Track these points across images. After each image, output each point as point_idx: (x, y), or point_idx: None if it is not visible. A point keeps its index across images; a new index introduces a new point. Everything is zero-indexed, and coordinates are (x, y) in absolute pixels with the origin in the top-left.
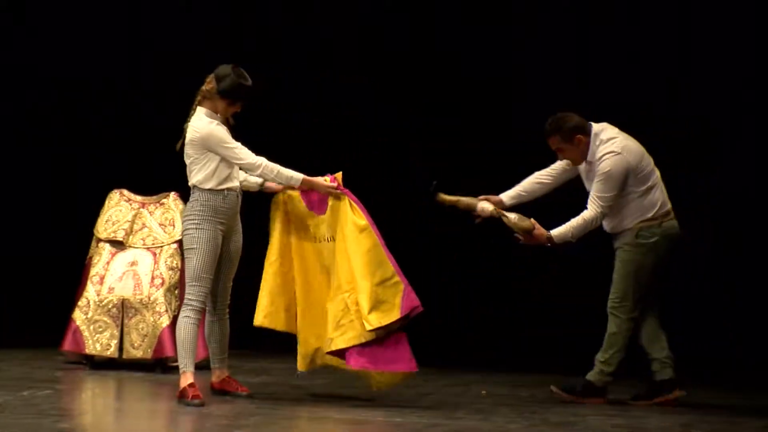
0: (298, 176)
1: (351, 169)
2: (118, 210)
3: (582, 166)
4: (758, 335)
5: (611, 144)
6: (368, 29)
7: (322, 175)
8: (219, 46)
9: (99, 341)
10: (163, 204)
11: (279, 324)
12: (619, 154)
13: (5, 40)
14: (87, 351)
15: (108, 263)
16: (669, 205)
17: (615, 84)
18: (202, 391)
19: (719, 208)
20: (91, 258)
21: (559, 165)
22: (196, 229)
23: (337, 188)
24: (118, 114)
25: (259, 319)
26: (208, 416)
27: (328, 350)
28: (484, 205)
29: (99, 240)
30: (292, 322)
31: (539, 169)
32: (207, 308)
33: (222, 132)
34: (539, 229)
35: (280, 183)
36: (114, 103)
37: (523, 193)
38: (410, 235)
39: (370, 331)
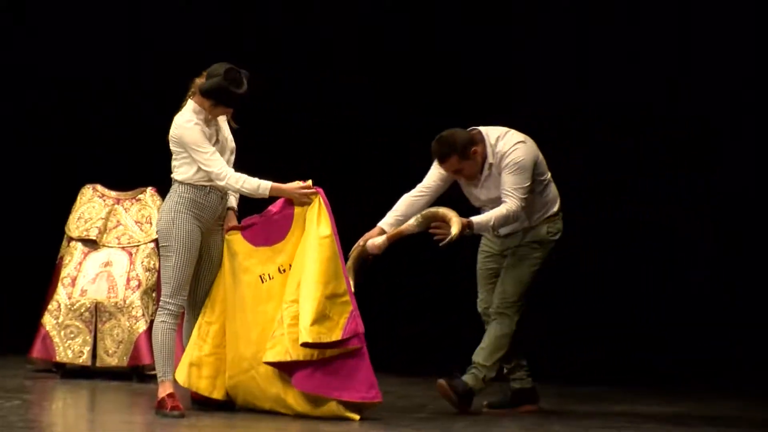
0: (266, 184)
1: (351, 169)
2: (91, 206)
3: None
4: (759, 336)
5: (511, 136)
6: (368, 29)
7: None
8: (219, 46)
9: (71, 348)
10: (139, 200)
11: (201, 388)
12: (524, 142)
13: (5, 40)
14: (58, 358)
15: (80, 264)
16: None
17: (615, 84)
18: (182, 401)
19: (719, 209)
20: (62, 258)
21: (430, 182)
22: (172, 223)
23: (311, 187)
24: (117, 114)
25: (182, 377)
26: (188, 428)
27: (263, 360)
28: (374, 242)
29: (71, 239)
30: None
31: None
32: (186, 311)
33: (196, 133)
34: (456, 216)
35: (248, 194)
36: (114, 102)
37: (400, 218)
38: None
39: (303, 344)
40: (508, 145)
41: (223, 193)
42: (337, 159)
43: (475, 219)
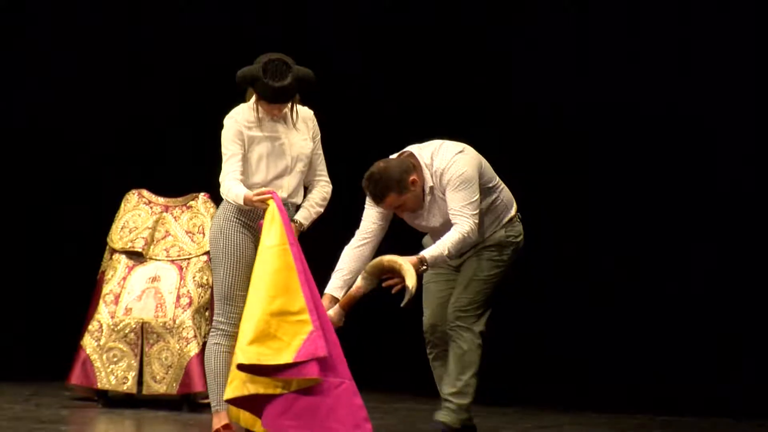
0: (241, 193)
1: (351, 168)
2: (137, 215)
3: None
4: (759, 338)
5: (446, 149)
6: (368, 29)
7: None
8: (219, 46)
9: (113, 373)
10: (190, 207)
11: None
12: (462, 152)
13: (6, 39)
14: (99, 385)
15: (124, 279)
16: None
17: (615, 84)
18: None
19: (719, 208)
20: (103, 273)
21: (369, 225)
22: (220, 233)
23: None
24: (169, 109)
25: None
26: None
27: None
28: (330, 315)
29: (113, 251)
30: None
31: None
32: None
33: (226, 130)
34: (405, 259)
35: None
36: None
37: (348, 277)
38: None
39: (239, 366)
40: (445, 159)
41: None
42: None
43: (427, 253)
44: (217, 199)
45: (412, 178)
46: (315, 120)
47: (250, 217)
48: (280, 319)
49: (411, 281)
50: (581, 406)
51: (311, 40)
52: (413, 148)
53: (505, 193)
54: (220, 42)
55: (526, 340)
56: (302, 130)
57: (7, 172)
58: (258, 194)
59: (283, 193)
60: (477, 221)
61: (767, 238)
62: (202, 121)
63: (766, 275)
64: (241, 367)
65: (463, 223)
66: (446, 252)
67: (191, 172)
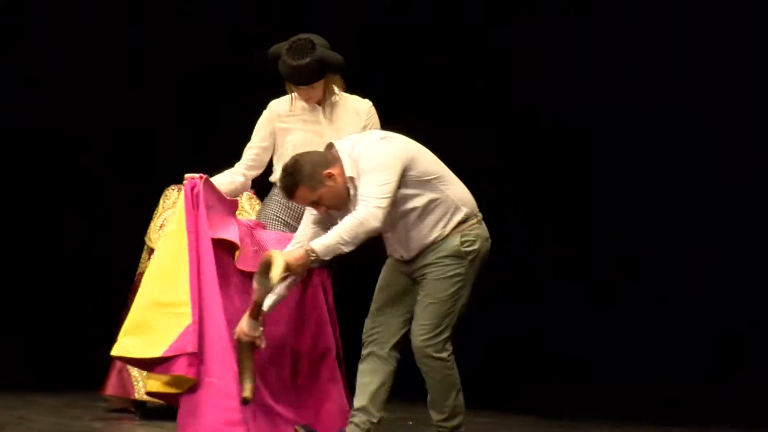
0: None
1: None
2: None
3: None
4: (759, 338)
5: (370, 136)
6: (368, 29)
7: None
8: (219, 46)
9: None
10: None
11: None
12: (384, 138)
13: (6, 39)
14: (137, 396)
15: None
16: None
17: (615, 84)
18: None
19: (719, 208)
20: (141, 274)
21: (305, 229)
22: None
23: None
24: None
25: None
26: None
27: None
28: (242, 328)
29: (152, 250)
30: None
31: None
32: None
33: (259, 121)
34: (289, 252)
35: None
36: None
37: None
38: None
39: (111, 356)
40: (364, 145)
41: None
42: None
43: (316, 243)
44: (262, 195)
45: (327, 171)
46: (371, 112)
47: (295, 218)
48: (160, 310)
49: (275, 272)
50: (581, 406)
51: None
52: (338, 140)
53: (453, 190)
54: (220, 42)
55: (526, 340)
56: (349, 121)
57: (7, 172)
58: (186, 178)
59: None
60: (382, 207)
61: (767, 238)
62: (202, 121)
63: (766, 275)
64: (116, 359)
65: (362, 208)
66: (339, 239)
67: (192, 172)
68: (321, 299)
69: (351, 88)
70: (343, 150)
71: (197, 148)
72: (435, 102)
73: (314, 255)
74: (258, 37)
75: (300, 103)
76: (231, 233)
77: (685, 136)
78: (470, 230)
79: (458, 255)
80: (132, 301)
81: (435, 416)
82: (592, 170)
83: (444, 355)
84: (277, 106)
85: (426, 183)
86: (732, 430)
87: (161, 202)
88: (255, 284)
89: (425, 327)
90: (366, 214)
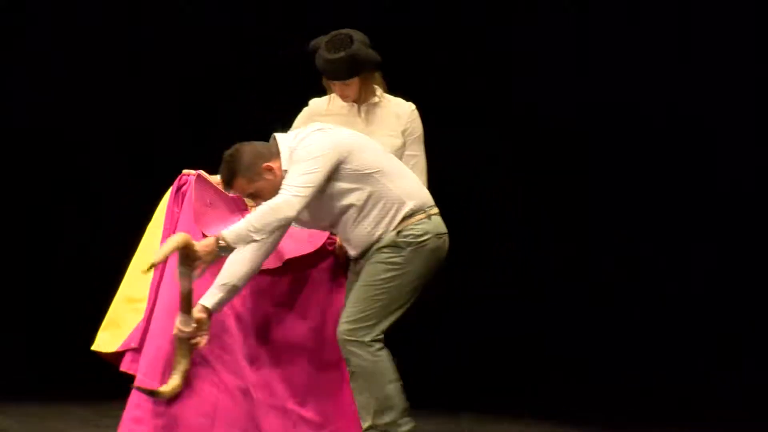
0: None
1: None
2: None
3: None
4: (760, 338)
5: (309, 128)
6: (368, 29)
7: None
8: (219, 46)
9: None
10: None
11: None
12: (321, 130)
13: (6, 39)
14: None
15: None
16: (430, 197)
17: (615, 84)
18: None
19: (719, 208)
20: None
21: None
22: None
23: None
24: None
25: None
26: None
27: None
28: (181, 327)
29: None
30: None
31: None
32: None
33: (298, 117)
34: (200, 242)
35: None
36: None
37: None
38: None
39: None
40: (301, 138)
41: None
42: None
43: (226, 230)
44: None
45: (266, 164)
46: (413, 116)
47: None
48: (128, 305)
49: (166, 246)
50: (580, 406)
51: (311, 40)
52: (281, 134)
53: (398, 185)
54: (220, 42)
55: (525, 340)
56: (386, 124)
57: (7, 172)
58: (183, 174)
59: None
60: (300, 196)
61: (767, 238)
62: (202, 121)
63: (766, 275)
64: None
65: (279, 196)
66: (250, 227)
67: None
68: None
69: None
70: (283, 143)
71: (197, 148)
72: (435, 102)
73: (224, 242)
74: (258, 37)
75: (338, 103)
76: None
77: (685, 136)
78: (416, 224)
79: (395, 245)
80: None
81: (365, 417)
82: (592, 170)
83: (367, 339)
84: (316, 105)
85: (365, 177)
86: (732, 430)
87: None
88: (177, 276)
89: (351, 310)
90: (281, 201)
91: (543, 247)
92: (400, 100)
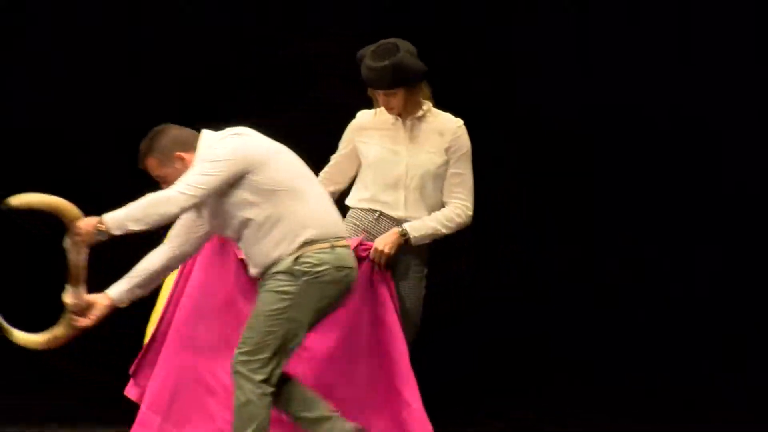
0: None
1: None
2: None
3: None
4: (764, 340)
5: (228, 130)
6: (368, 29)
7: None
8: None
9: None
10: None
11: None
12: (237, 134)
13: (6, 39)
14: None
15: None
16: (342, 229)
17: (619, 85)
18: None
19: (724, 210)
20: None
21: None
22: None
23: None
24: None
25: None
26: None
27: None
28: (66, 301)
29: None
30: None
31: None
32: None
33: (346, 130)
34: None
35: None
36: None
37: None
38: None
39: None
40: (220, 138)
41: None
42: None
43: (108, 214)
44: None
45: (179, 153)
46: (459, 132)
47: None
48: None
49: (25, 197)
50: (585, 407)
51: (311, 40)
52: (208, 130)
53: (307, 209)
54: (220, 42)
55: (530, 341)
56: (429, 140)
57: (7, 172)
58: None
59: (396, 210)
60: (189, 194)
61: None
62: (202, 121)
63: None
64: None
65: (168, 189)
66: (128, 215)
67: None
68: (389, 304)
69: (351, 89)
70: (205, 139)
71: None
72: (437, 103)
73: (102, 225)
74: (258, 37)
75: (384, 116)
76: None
77: (689, 137)
78: (316, 253)
79: (289, 272)
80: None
81: None
82: (596, 172)
83: (256, 377)
84: (362, 117)
85: (270, 193)
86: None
87: None
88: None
89: (245, 338)
90: (166, 196)
91: (548, 248)
92: (448, 116)
